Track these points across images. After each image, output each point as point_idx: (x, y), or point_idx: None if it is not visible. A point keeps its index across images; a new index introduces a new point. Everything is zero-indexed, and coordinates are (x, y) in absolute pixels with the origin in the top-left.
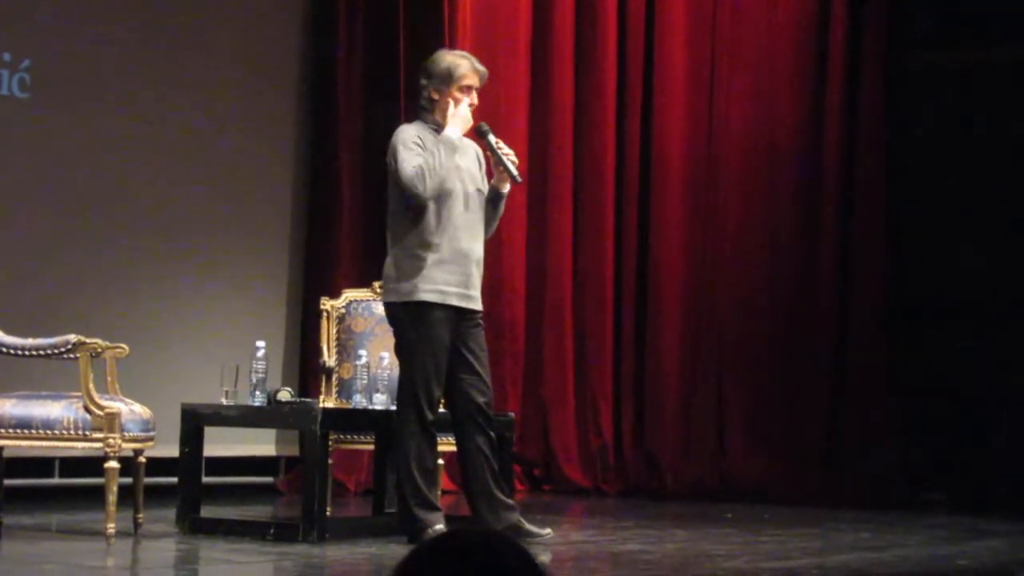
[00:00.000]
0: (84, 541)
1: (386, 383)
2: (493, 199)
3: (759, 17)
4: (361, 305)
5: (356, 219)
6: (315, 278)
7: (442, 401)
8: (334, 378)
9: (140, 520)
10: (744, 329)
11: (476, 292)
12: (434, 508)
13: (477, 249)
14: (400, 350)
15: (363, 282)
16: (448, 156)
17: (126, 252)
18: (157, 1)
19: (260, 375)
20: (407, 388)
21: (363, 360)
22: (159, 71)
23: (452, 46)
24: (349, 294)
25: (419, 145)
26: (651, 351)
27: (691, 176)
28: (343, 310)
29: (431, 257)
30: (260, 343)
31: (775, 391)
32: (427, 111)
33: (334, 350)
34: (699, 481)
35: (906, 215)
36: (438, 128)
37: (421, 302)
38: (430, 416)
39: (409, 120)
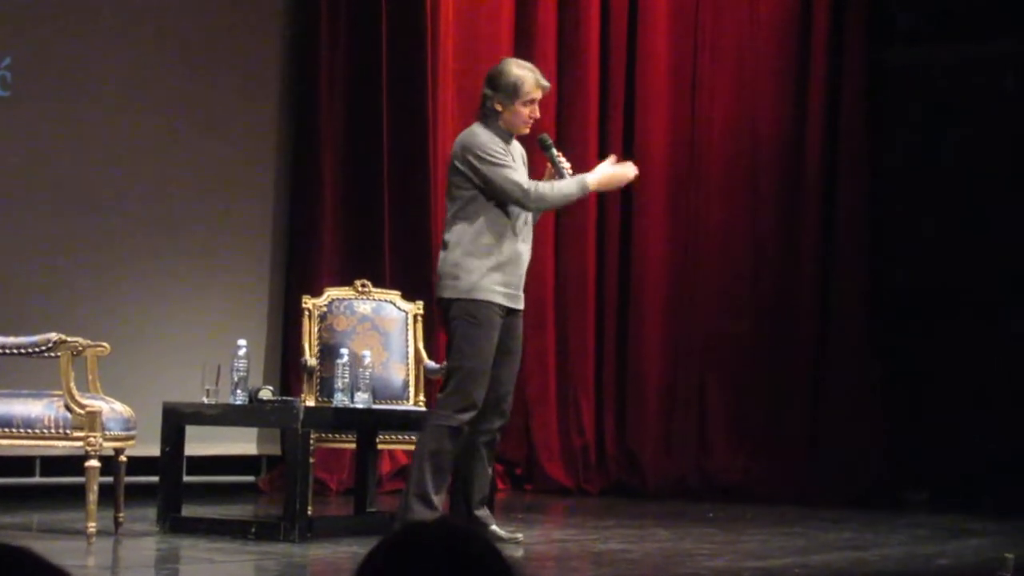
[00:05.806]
0: (65, 540)
1: (367, 382)
2: None
3: (740, 12)
4: (343, 303)
5: (338, 218)
6: (297, 277)
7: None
8: (316, 377)
9: (121, 519)
10: (726, 328)
11: (522, 292)
12: (431, 506)
13: (528, 251)
14: (452, 346)
15: (345, 280)
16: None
17: (107, 250)
18: None
19: (241, 374)
20: (450, 385)
21: (345, 359)
22: (141, 68)
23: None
24: (331, 293)
25: (501, 153)
26: (633, 350)
27: (673, 174)
28: (325, 308)
29: (494, 258)
30: (241, 342)
31: (757, 390)
32: (491, 119)
33: (316, 349)
34: (681, 480)
35: (888, 211)
36: (504, 136)
37: (482, 301)
38: (464, 416)
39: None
